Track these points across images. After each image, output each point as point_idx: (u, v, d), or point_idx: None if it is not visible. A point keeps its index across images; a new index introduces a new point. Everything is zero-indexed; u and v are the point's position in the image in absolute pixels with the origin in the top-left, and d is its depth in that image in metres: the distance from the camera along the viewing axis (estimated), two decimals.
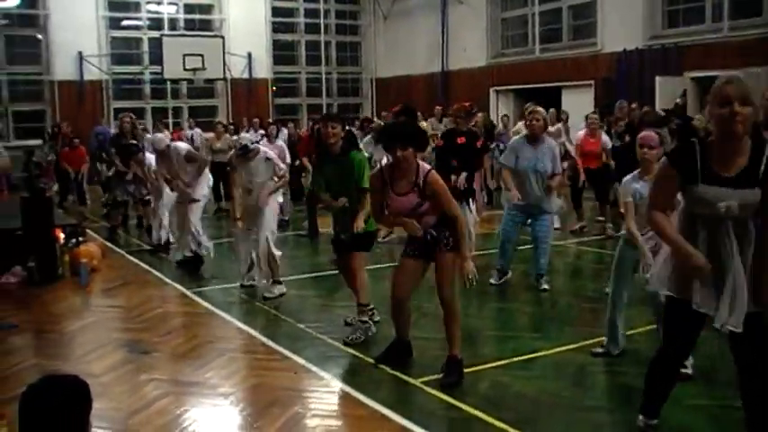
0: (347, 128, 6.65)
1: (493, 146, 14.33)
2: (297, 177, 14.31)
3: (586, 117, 11.89)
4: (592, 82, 18.44)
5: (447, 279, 5.42)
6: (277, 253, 8.02)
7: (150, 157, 10.47)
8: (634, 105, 12.79)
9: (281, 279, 8.07)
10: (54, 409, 2.49)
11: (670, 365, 4.17)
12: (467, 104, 9.12)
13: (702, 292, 3.76)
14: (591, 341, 6.13)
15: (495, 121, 17.92)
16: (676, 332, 4.05)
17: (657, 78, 15.98)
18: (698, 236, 3.77)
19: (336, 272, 7.27)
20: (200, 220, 9.51)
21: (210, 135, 15.71)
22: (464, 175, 8.59)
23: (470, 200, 9.00)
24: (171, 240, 10.57)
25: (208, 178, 9.68)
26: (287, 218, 12.96)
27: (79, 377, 2.66)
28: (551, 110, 13.12)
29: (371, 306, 6.69)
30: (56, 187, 16.03)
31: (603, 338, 5.96)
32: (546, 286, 8.11)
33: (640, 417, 4.27)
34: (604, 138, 11.41)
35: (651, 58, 17.08)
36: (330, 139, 6.51)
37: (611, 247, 10.28)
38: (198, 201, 9.38)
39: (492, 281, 8.40)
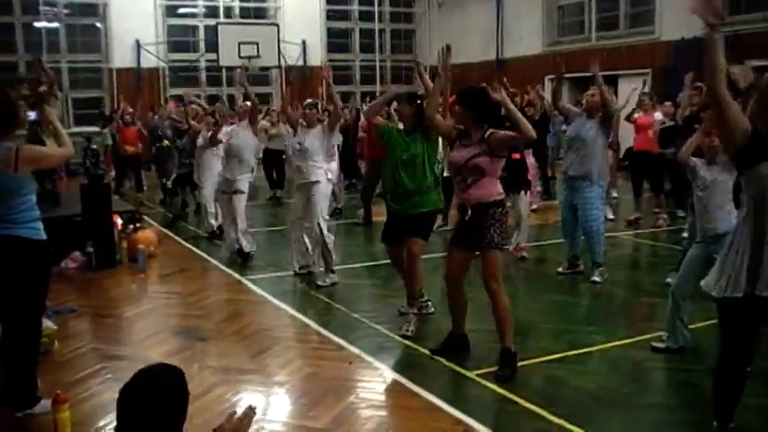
0: (418, 102, 6.53)
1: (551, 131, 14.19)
2: (353, 165, 14.38)
3: (639, 98, 11.77)
4: (649, 70, 18.10)
5: (493, 275, 5.40)
6: (329, 240, 8.05)
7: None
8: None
9: (335, 268, 8.09)
10: (157, 402, 2.50)
11: (734, 369, 4.04)
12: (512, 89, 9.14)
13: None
14: (647, 336, 6.05)
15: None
16: (734, 334, 3.96)
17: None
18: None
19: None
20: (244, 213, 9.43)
21: (265, 122, 15.78)
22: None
23: (525, 190, 8.98)
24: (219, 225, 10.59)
25: (251, 168, 9.53)
26: (341, 206, 13.00)
27: (175, 367, 2.67)
28: None
29: (426, 298, 6.67)
30: (113, 173, 16.27)
31: (660, 333, 5.87)
32: (596, 278, 7.90)
33: (715, 423, 4.13)
34: (657, 115, 11.28)
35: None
36: (403, 120, 6.60)
37: (666, 240, 10.18)
38: (243, 192, 9.33)
39: (559, 269, 8.35)
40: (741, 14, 16.96)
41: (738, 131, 3.59)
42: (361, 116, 13.15)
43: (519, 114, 5.38)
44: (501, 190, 5.55)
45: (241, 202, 9.30)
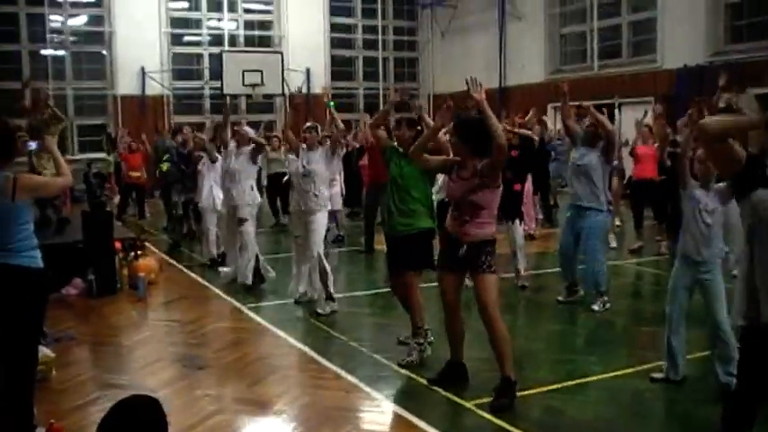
0: (418, 129, 6.54)
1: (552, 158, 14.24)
2: (356, 192, 14.37)
3: (637, 123, 11.80)
4: (651, 98, 18.14)
5: (488, 301, 5.36)
6: (328, 268, 8.05)
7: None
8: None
9: (335, 296, 8.09)
10: None
11: (746, 403, 3.97)
12: (520, 119, 9.11)
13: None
14: (648, 365, 6.02)
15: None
16: (751, 365, 3.91)
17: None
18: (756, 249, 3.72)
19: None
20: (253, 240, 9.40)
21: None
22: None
23: (519, 219, 9.00)
24: (222, 252, 10.59)
25: (254, 197, 9.51)
26: (343, 233, 13.01)
27: (151, 398, 2.68)
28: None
29: (426, 327, 6.67)
30: (117, 199, 16.32)
31: (662, 363, 5.84)
32: (595, 307, 7.87)
33: None
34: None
35: (712, 75, 16.75)
36: (402, 144, 6.56)
37: (668, 268, 10.13)
38: (246, 219, 9.30)
39: (559, 298, 8.33)
40: (743, 42, 17.04)
41: (734, 163, 3.63)
42: (365, 138, 13.15)
43: (494, 120, 5.37)
44: (494, 228, 5.55)
45: (248, 230, 9.29)
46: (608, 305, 7.92)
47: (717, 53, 17.12)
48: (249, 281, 9.21)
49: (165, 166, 13.77)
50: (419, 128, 6.53)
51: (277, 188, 14.62)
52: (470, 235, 5.41)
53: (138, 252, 9.88)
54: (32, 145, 8.05)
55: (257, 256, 9.25)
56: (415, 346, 6.37)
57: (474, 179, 5.40)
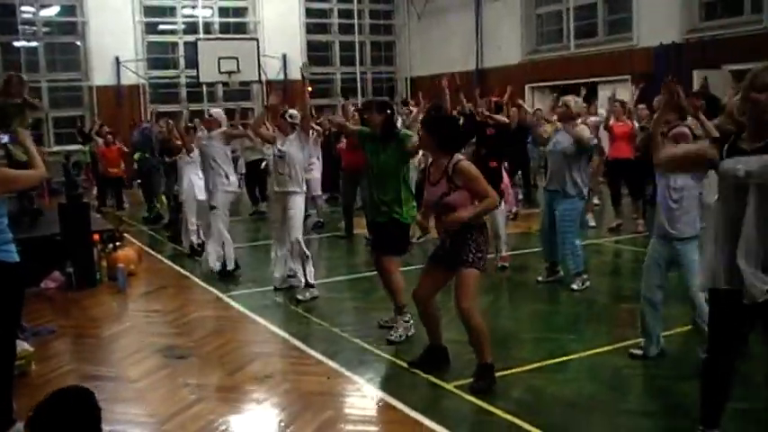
0: (388, 112, 6.58)
1: (529, 140, 14.23)
2: (334, 177, 14.33)
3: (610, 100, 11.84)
4: (628, 77, 18.17)
5: (465, 295, 5.33)
6: (308, 253, 8.05)
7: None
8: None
9: (314, 282, 8.09)
10: (64, 425, 2.51)
11: (719, 368, 4.03)
12: (495, 98, 9.15)
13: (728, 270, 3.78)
14: (627, 342, 6.07)
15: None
16: (720, 328, 3.98)
17: (695, 72, 15.72)
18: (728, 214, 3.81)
19: (371, 273, 7.25)
20: (225, 227, 9.31)
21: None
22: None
23: (499, 197, 9.00)
24: (202, 241, 10.53)
25: (225, 183, 9.31)
26: (322, 220, 12.99)
27: (83, 387, 2.69)
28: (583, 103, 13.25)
29: (406, 310, 6.70)
30: (94, 191, 16.22)
31: (641, 340, 5.88)
32: (574, 286, 7.94)
33: (700, 427, 4.12)
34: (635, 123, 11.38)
35: (688, 52, 16.84)
36: (372, 128, 6.62)
37: (645, 246, 10.22)
38: (215, 207, 9.21)
39: (539, 278, 8.38)
40: (718, 19, 17.10)
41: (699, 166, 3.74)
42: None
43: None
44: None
45: (216, 218, 9.21)
46: (587, 283, 7.98)
47: (692, 30, 17.16)
48: (217, 268, 9.28)
49: (137, 156, 13.71)
50: (388, 111, 6.59)
51: (255, 176, 14.57)
52: (455, 226, 5.40)
53: (117, 243, 9.83)
54: (4, 138, 7.94)
55: (225, 244, 9.27)
56: (401, 323, 6.47)
57: (443, 181, 5.35)
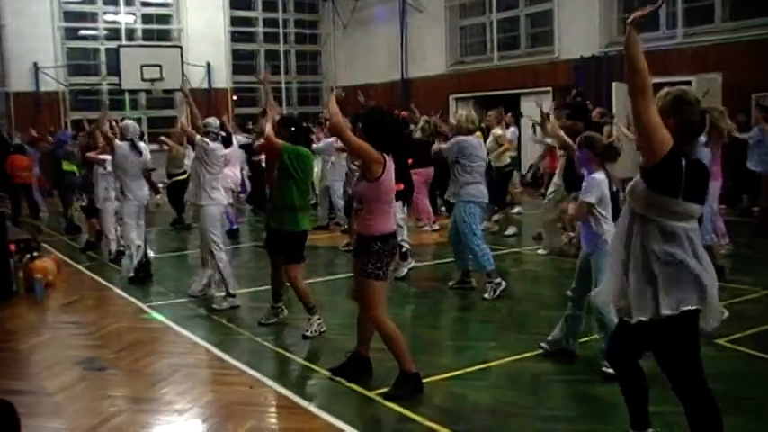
0: (292, 129, 6.97)
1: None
2: (259, 187, 14.26)
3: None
4: (550, 89, 18.59)
5: (367, 305, 5.43)
6: (223, 263, 8.04)
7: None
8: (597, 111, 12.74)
9: (235, 292, 8.07)
10: None
11: (617, 372, 4.21)
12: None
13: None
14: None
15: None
16: (612, 340, 4.23)
17: (614, 84, 16.13)
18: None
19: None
20: (136, 235, 9.49)
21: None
22: None
23: (404, 202, 9.55)
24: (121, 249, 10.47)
25: (130, 195, 9.49)
26: (236, 227, 12.86)
27: (3, 399, 2.64)
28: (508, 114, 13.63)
29: (318, 316, 6.94)
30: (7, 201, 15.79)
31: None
32: (486, 296, 8.07)
33: (630, 430, 4.22)
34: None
35: (608, 65, 17.27)
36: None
37: (568, 253, 10.43)
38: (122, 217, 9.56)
39: (450, 283, 8.59)
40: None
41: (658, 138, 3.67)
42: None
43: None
44: (389, 225, 5.44)
45: (126, 226, 9.56)
46: (500, 288, 8.11)
47: (611, 44, 17.61)
48: (131, 273, 9.40)
49: (66, 165, 13.43)
50: (293, 128, 6.96)
51: (177, 187, 14.38)
52: (358, 228, 5.49)
53: (34, 253, 9.59)
54: None
55: (138, 251, 9.41)
56: (315, 321, 6.86)
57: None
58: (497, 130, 12.32)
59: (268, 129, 6.87)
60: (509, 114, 14.16)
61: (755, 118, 12.51)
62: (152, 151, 15.66)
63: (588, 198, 5.59)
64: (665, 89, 3.87)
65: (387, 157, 5.35)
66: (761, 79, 14.08)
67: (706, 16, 16.23)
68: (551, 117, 9.33)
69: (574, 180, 6.65)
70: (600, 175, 5.65)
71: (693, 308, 3.69)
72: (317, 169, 12.28)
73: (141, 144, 9.78)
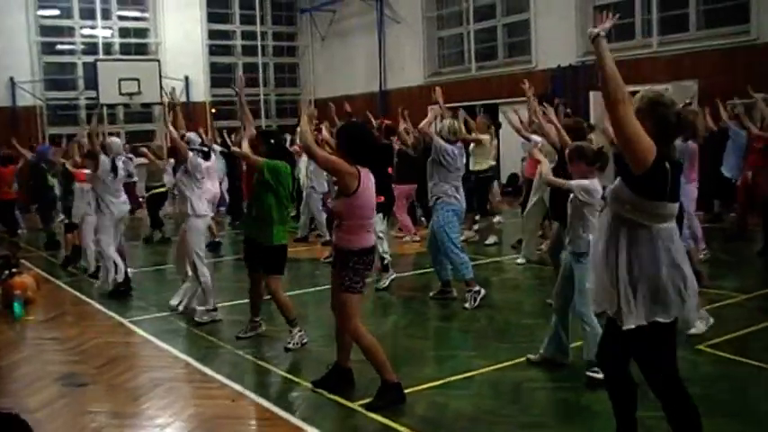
0: (271, 141, 7.07)
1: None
2: (239, 197, 14.25)
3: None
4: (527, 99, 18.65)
5: (344, 317, 5.46)
6: (204, 277, 8.01)
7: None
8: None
9: (217, 305, 8.06)
10: None
11: (608, 385, 4.22)
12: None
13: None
14: (528, 357, 6.21)
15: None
16: (601, 344, 4.20)
17: (591, 93, 16.26)
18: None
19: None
20: (111, 250, 9.52)
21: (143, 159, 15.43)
22: None
23: (384, 214, 9.49)
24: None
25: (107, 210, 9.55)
26: (218, 239, 12.84)
27: (17, 414, 2.62)
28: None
29: (299, 329, 6.96)
30: None
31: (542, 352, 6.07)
32: (466, 305, 8.10)
33: None
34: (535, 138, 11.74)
35: (585, 74, 17.39)
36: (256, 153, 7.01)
37: (548, 262, 10.47)
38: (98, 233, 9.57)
39: (431, 293, 8.62)
40: (611, 42, 17.65)
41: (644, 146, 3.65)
42: None
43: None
44: (367, 240, 5.44)
45: (101, 241, 9.52)
46: (480, 296, 8.15)
47: (587, 53, 17.71)
48: (110, 287, 9.46)
49: (50, 181, 13.39)
50: (271, 141, 7.06)
51: (156, 201, 14.34)
52: (335, 241, 5.50)
53: (13, 270, 9.52)
54: None
55: (116, 266, 9.44)
56: (296, 334, 6.85)
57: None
58: (485, 137, 12.41)
59: (245, 146, 6.88)
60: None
61: (727, 119, 12.54)
62: (138, 165, 15.79)
63: (579, 194, 5.58)
64: (641, 92, 3.91)
65: (362, 170, 5.34)
66: (734, 85, 14.23)
67: (681, 24, 16.44)
68: (534, 103, 8.96)
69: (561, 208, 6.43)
70: (596, 185, 5.59)
71: (670, 319, 3.74)
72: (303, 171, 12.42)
73: (120, 164, 9.73)
